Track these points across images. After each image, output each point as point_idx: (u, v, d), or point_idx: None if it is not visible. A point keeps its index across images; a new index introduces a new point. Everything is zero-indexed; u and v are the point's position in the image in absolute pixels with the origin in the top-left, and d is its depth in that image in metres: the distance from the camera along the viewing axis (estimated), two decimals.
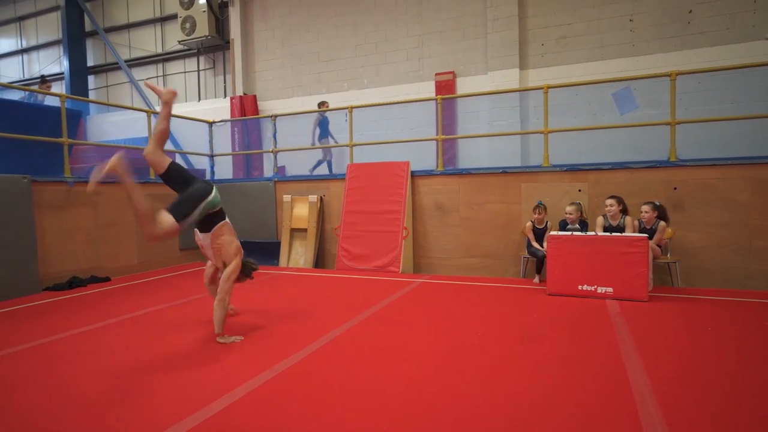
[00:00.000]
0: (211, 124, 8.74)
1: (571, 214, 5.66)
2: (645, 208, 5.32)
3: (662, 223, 5.26)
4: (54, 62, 13.82)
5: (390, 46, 9.68)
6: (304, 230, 7.50)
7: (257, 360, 3.19)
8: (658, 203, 5.35)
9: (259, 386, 2.76)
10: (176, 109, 11.58)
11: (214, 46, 11.55)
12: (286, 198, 7.64)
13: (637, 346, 3.35)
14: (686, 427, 2.22)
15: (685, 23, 7.52)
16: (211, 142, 8.74)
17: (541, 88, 6.44)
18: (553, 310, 4.47)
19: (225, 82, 11.52)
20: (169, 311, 4.73)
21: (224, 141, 9.97)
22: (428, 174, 7.03)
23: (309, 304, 4.91)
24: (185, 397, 2.62)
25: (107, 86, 13.45)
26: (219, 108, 10.90)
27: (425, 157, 7.40)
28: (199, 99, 11.90)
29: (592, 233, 5.17)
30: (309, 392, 2.68)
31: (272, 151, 8.15)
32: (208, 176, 8.77)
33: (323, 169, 8.55)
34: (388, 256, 6.70)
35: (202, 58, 11.88)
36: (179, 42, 11.44)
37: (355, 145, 7.50)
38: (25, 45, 14.64)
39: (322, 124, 8.46)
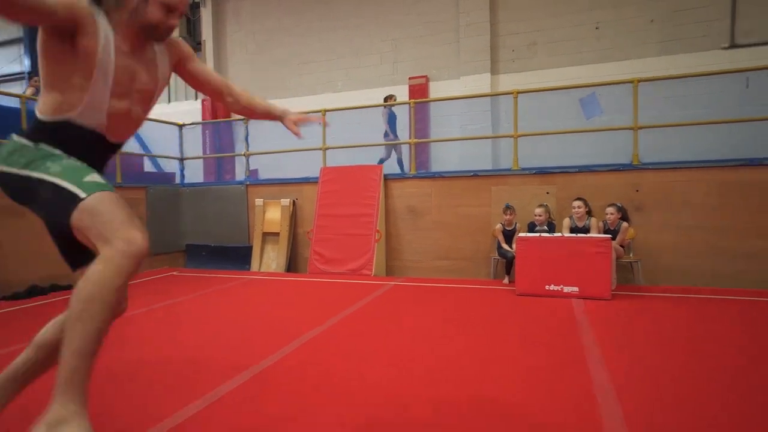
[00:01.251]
0: (181, 126, 8.66)
1: (539, 215, 5.83)
2: (610, 209, 5.52)
3: (625, 224, 5.47)
4: (14, 61, 13.45)
5: (364, 50, 9.78)
6: (277, 234, 7.49)
7: (221, 367, 3.16)
8: (620, 205, 5.56)
9: (224, 395, 2.76)
10: None
11: None
12: (258, 202, 7.63)
13: (599, 344, 3.49)
14: (646, 423, 2.33)
15: (647, 32, 7.84)
16: (181, 145, 8.66)
17: (511, 93, 6.62)
18: (521, 310, 4.60)
19: None
20: (138, 318, 4.66)
21: (195, 144, 9.90)
22: (401, 177, 7.13)
23: (280, 309, 4.92)
24: (152, 403, 2.63)
25: None
26: (190, 110, 10.83)
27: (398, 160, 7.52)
28: (169, 101, 11.77)
29: (559, 234, 5.34)
30: (276, 400, 2.71)
31: (244, 155, 8.13)
32: (177, 180, 8.68)
33: (296, 171, 8.47)
34: (360, 259, 6.75)
35: None
36: None
37: (327, 148, 7.55)
38: None
39: (391, 120, 8.05)
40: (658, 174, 5.89)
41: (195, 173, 9.49)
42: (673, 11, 7.68)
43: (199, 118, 10.40)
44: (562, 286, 5.05)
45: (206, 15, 10.92)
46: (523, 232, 5.81)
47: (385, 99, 8.18)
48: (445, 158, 8.55)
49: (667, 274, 5.78)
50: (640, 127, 6.05)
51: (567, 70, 8.22)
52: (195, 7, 11.13)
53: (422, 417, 2.40)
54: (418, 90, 9.18)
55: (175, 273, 7.18)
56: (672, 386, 2.71)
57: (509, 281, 5.85)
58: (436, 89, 9.22)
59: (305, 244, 7.45)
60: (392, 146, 8.15)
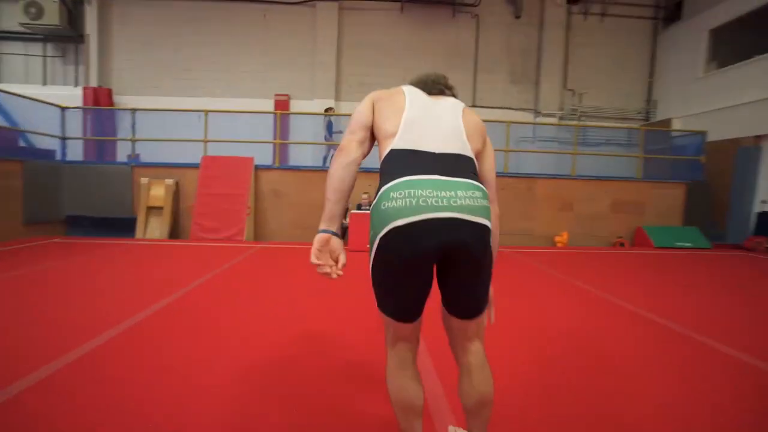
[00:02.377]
0: (63, 109, 6.95)
1: (365, 199, 6.38)
2: None
3: None
4: None
5: (241, 67, 9.11)
6: (161, 208, 6.64)
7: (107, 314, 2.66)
8: None
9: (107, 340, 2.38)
10: (18, 89, 8.90)
11: (67, 37, 9.06)
12: (144, 180, 6.64)
13: None
14: None
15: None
16: (63, 126, 6.95)
17: (349, 114, 6.95)
18: (352, 260, 5.02)
19: (77, 72, 9.18)
20: (29, 276, 3.78)
21: (73, 126, 7.96)
22: (268, 168, 6.97)
23: (166, 266, 4.50)
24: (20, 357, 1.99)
25: None
26: (69, 95, 8.66)
27: (265, 155, 7.25)
28: (45, 83, 9.23)
29: None
30: (162, 344, 2.42)
31: (131, 140, 6.95)
32: (58, 157, 6.96)
33: (178, 158, 7.45)
34: (235, 228, 6.46)
35: (49, 45, 9.20)
36: (21, 24, 8.64)
37: (209, 141, 6.94)
38: None
39: (329, 127, 7.53)
40: None
41: (74, 153, 7.65)
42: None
43: (79, 103, 8.40)
44: None
45: (91, 11, 8.77)
46: (354, 209, 6.29)
47: (326, 110, 7.78)
48: (299, 156, 8.51)
49: None
50: None
51: None
52: (79, 2, 8.85)
53: (285, 342, 2.59)
54: (283, 104, 8.96)
55: (57, 240, 5.86)
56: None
57: (344, 243, 6.26)
58: (296, 105, 9.12)
59: (187, 217, 6.77)
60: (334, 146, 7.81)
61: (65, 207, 6.57)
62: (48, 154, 6.86)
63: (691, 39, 8.67)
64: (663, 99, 9.43)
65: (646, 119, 9.60)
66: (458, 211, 0.94)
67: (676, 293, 3.76)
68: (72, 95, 8.69)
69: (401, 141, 1.07)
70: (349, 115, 6.00)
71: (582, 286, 3.87)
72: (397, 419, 1.14)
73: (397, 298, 1.07)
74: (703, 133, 7.89)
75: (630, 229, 7.41)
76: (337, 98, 9.04)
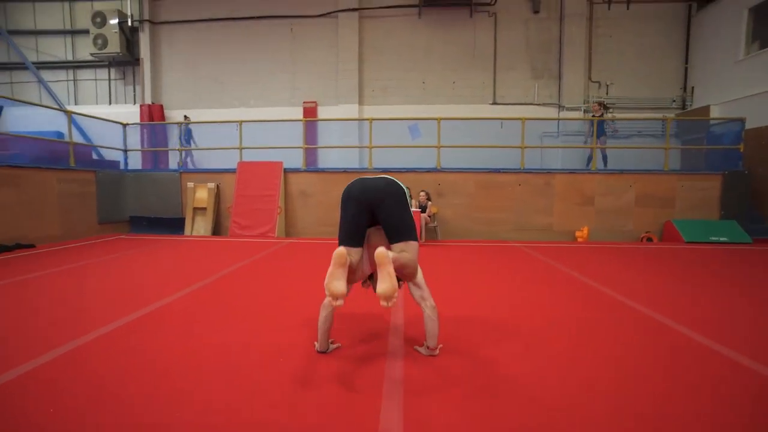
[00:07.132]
0: (125, 125, 8.27)
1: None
2: (422, 194, 6.86)
3: (430, 203, 6.85)
4: None
5: (270, 78, 10.09)
6: (204, 209, 7.70)
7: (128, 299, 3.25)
8: (427, 191, 6.92)
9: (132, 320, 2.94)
10: (89, 110, 10.54)
11: (125, 62, 10.61)
12: (190, 185, 7.73)
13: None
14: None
15: (450, 89, 9.41)
16: (125, 140, 8.28)
17: (368, 120, 7.63)
18: None
19: (135, 92, 10.70)
20: (80, 270, 4.79)
21: (133, 139, 9.31)
22: (296, 170, 7.78)
23: (212, 257, 5.30)
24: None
25: (11, 83, 11.34)
26: (129, 112, 10.15)
27: (294, 159, 8.04)
28: (110, 103, 10.83)
29: None
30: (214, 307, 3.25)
31: (179, 149, 8.10)
32: (121, 167, 8.28)
33: (219, 164, 8.43)
34: (267, 225, 7.32)
35: (113, 70, 10.81)
36: (91, 54, 10.29)
37: (244, 148, 7.91)
38: None
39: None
40: (450, 174, 7.39)
41: (134, 161, 9.00)
42: (462, 79, 9.34)
43: (137, 119, 9.83)
44: None
45: (144, 37, 10.24)
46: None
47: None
48: (326, 158, 9.26)
49: (453, 233, 7.32)
50: (441, 147, 7.48)
51: (404, 106, 9.47)
52: (134, 30, 10.36)
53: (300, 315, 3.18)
54: (310, 111, 9.81)
55: (122, 237, 7.06)
56: (456, 283, 3.93)
57: None
58: (323, 111, 9.92)
59: (226, 216, 7.75)
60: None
61: (128, 209, 7.84)
62: (114, 164, 8.20)
63: (729, 20, 8.39)
64: (700, 85, 9.14)
65: (683, 107, 9.35)
66: (378, 185, 2.00)
67: (695, 291, 3.47)
68: (132, 112, 10.17)
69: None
70: (371, 119, 6.58)
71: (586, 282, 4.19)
72: (326, 295, 1.76)
73: (347, 227, 2.00)
74: (741, 120, 7.64)
75: (658, 224, 7.37)
76: (361, 103, 9.73)
